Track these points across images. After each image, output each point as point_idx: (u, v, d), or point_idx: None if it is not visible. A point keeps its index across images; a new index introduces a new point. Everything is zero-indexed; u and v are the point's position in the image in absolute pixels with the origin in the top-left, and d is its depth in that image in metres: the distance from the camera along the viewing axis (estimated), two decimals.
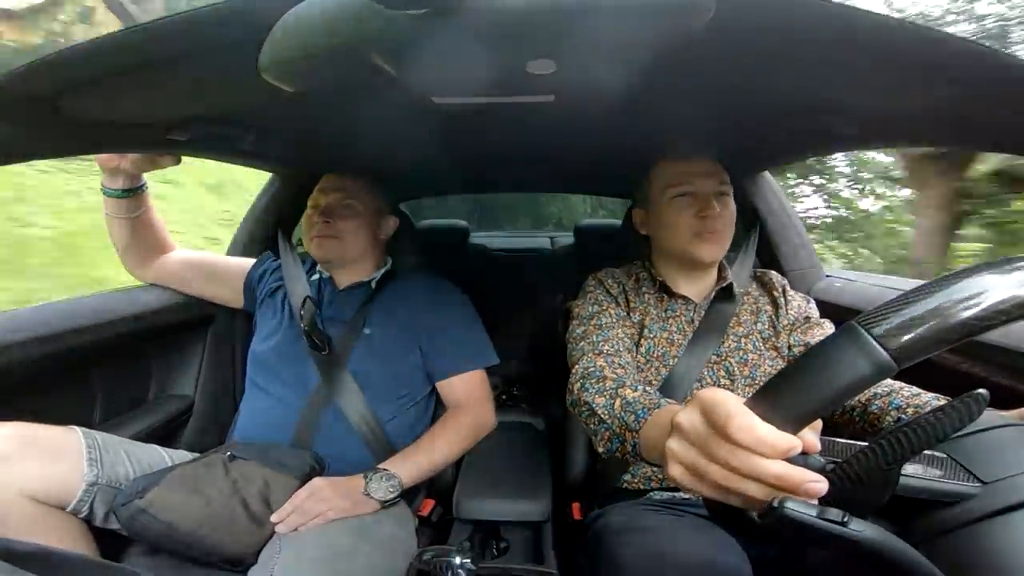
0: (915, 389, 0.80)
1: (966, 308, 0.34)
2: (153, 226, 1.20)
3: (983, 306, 0.33)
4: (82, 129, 0.76)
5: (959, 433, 0.41)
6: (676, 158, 1.00)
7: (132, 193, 1.12)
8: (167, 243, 1.26)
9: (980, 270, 0.35)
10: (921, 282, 0.36)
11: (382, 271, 1.24)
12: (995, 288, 0.34)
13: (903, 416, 0.77)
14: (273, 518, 0.86)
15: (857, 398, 0.83)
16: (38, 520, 0.80)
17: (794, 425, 0.39)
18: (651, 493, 0.93)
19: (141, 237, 1.19)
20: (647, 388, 0.74)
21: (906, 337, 0.35)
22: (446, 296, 1.22)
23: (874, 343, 0.35)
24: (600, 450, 0.75)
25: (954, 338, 0.34)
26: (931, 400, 0.77)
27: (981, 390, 0.35)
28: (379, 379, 1.09)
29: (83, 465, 0.84)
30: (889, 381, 0.82)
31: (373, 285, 1.20)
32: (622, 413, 0.69)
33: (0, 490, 0.77)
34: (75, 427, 0.89)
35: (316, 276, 1.23)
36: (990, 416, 0.45)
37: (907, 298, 0.36)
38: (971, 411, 0.35)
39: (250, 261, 1.30)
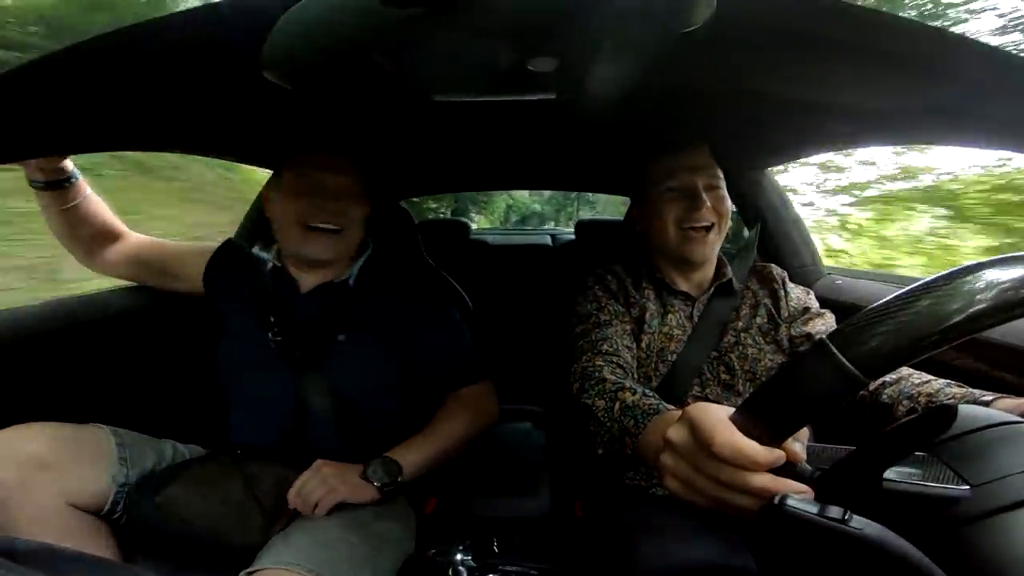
0: (924, 376, 0.80)
1: (933, 321, 0.34)
2: (93, 217, 1.11)
3: (950, 319, 0.34)
4: (80, 127, 0.76)
5: (948, 435, 0.41)
6: (667, 153, 1.00)
7: (59, 185, 1.02)
8: (112, 232, 1.16)
9: (946, 280, 0.35)
10: (897, 292, 0.37)
11: (359, 263, 1.09)
12: (961, 299, 0.34)
13: (915, 405, 0.77)
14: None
15: (864, 390, 0.83)
16: (77, 525, 0.80)
17: (776, 437, 0.41)
18: (654, 490, 0.93)
19: (80, 229, 1.11)
20: (646, 391, 0.74)
21: (874, 352, 0.36)
22: (433, 306, 1.10)
23: (843, 359, 0.36)
24: (599, 451, 0.76)
25: (922, 351, 0.35)
26: (942, 387, 0.76)
27: (951, 401, 0.35)
28: (357, 386, 1.02)
29: (114, 465, 0.84)
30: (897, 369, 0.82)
31: (351, 282, 1.07)
32: (621, 417, 0.69)
33: (45, 497, 0.76)
34: (102, 425, 0.88)
35: (271, 265, 1.09)
36: (981, 415, 0.45)
37: (875, 312, 0.37)
38: (944, 421, 0.36)
39: (210, 249, 1.17)
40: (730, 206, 0.99)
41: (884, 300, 0.37)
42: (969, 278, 0.35)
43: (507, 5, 0.44)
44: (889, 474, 0.39)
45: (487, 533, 1.01)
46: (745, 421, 0.42)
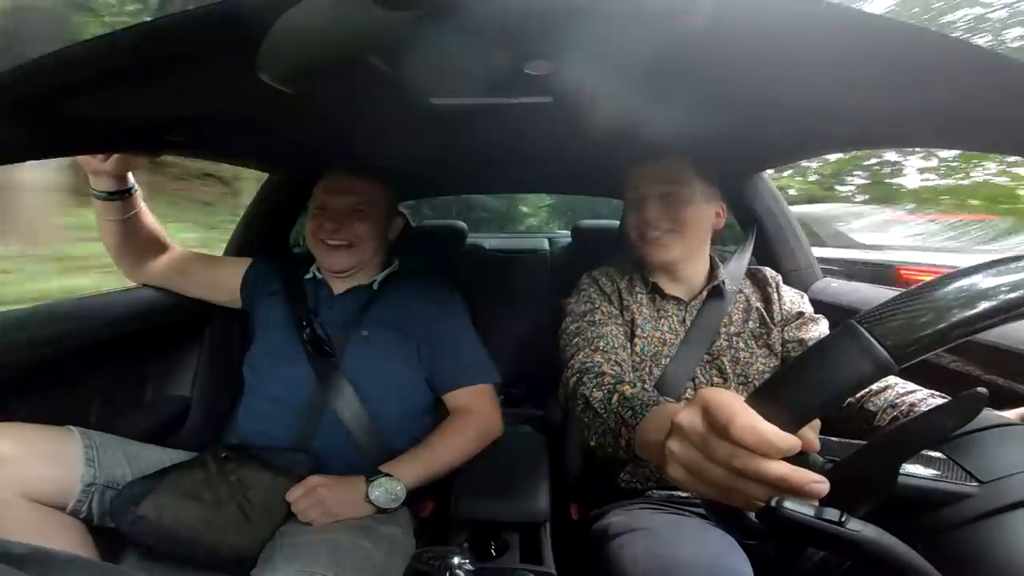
0: (910, 385, 0.81)
1: (964, 307, 0.34)
2: (146, 228, 1.17)
3: (981, 306, 0.34)
4: (81, 129, 0.76)
5: (956, 432, 0.41)
6: (636, 163, 1.03)
7: (120, 196, 1.08)
8: (162, 244, 1.22)
9: (979, 270, 0.35)
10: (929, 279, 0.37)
11: (385, 273, 1.21)
12: (992, 288, 0.34)
13: (899, 413, 0.78)
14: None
15: (853, 396, 0.83)
16: (37, 521, 0.80)
17: (794, 424, 0.39)
18: (650, 492, 0.93)
19: (134, 240, 1.16)
20: (645, 386, 0.74)
21: (905, 336, 0.35)
22: (450, 307, 1.20)
23: (874, 342, 0.35)
24: (592, 444, 0.75)
25: (952, 337, 0.34)
26: (926, 397, 0.77)
27: (980, 388, 0.35)
28: (374, 381, 1.08)
29: (80, 466, 0.84)
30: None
31: (375, 287, 1.18)
32: (619, 408, 0.69)
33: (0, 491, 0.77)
34: (73, 427, 0.88)
35: (311, 276, 1.21)
36: (988, 415, 0.45)
37: (906, 297, 0.36)
38: (970, 410, 0.35)
39: (246, 261, 1.27)
40: (697, 213, 0.99)
41: (917, 286, 0.36)
42: (1007, 265, 0.35)
43: (501, 7, 0.44)
44: (900, 468, 0.39)
45: (484, 536, 1.01)
46: (762, 406, 0.40)
